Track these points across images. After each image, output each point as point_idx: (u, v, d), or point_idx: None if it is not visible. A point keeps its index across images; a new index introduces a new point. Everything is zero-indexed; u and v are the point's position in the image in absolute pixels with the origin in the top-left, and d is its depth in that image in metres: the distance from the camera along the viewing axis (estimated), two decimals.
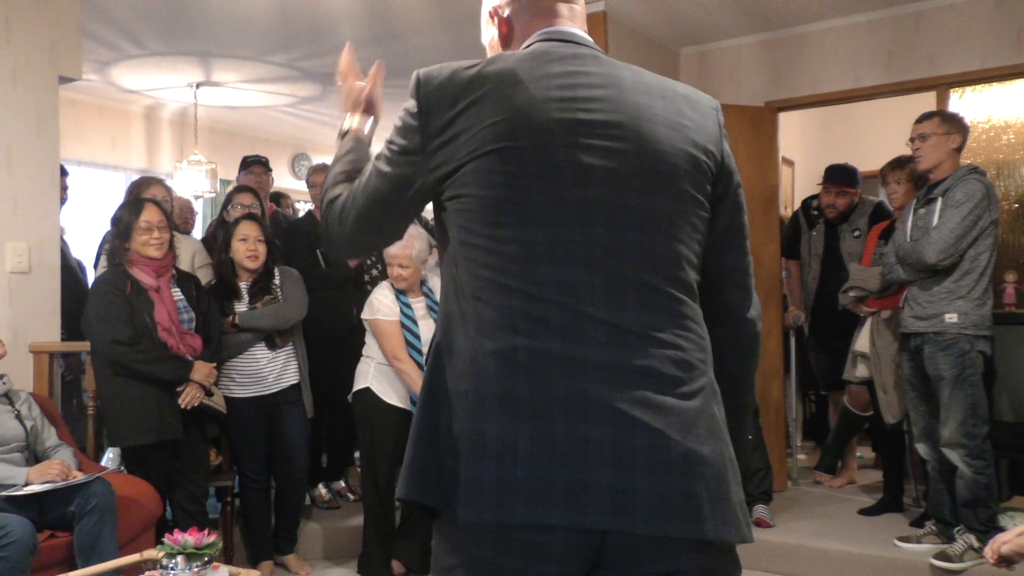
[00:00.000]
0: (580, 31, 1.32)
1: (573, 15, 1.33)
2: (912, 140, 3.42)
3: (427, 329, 3.51)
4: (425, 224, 3.84)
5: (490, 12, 1.37)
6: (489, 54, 1.38)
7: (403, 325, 3.42)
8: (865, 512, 3.96)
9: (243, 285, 3.54)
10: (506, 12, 1.34)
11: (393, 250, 3.43)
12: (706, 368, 1.19)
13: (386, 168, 1.27)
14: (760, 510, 3.81)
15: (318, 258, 4.09)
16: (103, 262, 3.54)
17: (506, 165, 1.16)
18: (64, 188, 4.24)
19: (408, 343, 3.44)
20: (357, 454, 4.55)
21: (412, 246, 3.41)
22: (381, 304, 3.45)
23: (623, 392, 1.11)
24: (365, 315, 3.52)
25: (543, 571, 1.11)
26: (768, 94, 4.69)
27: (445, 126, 1.20)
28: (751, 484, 3.85)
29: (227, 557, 3.54)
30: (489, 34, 1.39)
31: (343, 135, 1.48)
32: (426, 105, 1.23)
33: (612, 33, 4.22)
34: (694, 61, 4.92)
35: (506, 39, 1.35)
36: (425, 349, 3.52)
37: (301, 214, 4.98)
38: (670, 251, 1.19)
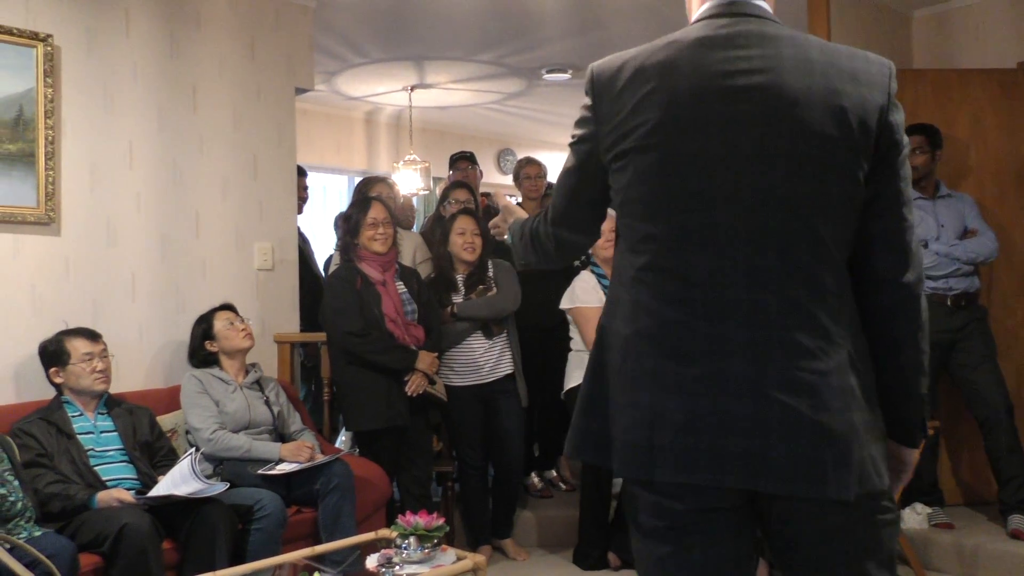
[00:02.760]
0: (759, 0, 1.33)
1: None
2: None
3: None
4: None
5: None
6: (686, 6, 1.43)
7: None
8: None
9: (459, 278, 3.67)
10: None
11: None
12: (844, 341, 1.25)
13: (571, 161, 1.42)
14: (1017, 520, 3.40)
15: None
16: (335, 258, 3.80)
17: (663, 156, 1.26)
18: (304, 188, 4.61)
19: None
20: None
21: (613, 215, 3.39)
22: (583, 291, 3.44)
23: (762, 369, 1.23)
24: (564, 304, 3.53)
25: (699, 512, 1.28)
26: (1021, 54, 4.15)
27: (612, 115, 1.31)
28: (1007, 491, 3.45)
29: (448, 540, 3.69)
30: None
31: (512, 240, 1.64)
32: (597, 97, 1.35)
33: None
34: (929, 24, 4.46)
35: None
36: None
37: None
38: (813, 231, 1.24)
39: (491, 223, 1.80)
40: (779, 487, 1.23)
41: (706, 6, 1.34)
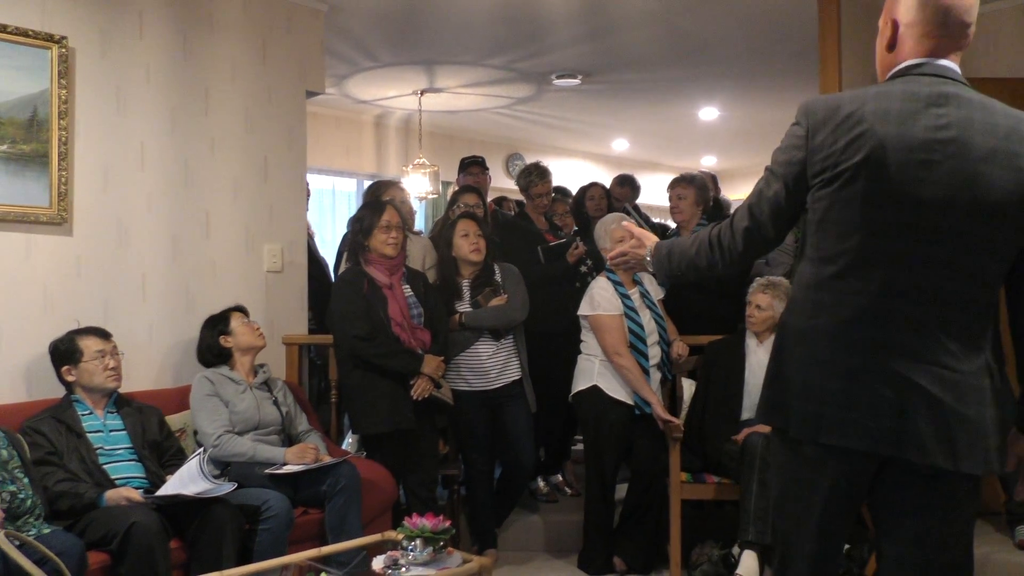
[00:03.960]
0: (953, 64, 1.61)
1: (957, 46, 1.62)
2: None
3: (647, 320, 3.46)
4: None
5: (888, 15, 1.66)
6: (876, 51, 1.70)
7: (627, 317, 3.39)
8: None
9: (464, 282, 3.67)
10: (904, 19, 1.62)
11: (614, 225, 3.42)
12: (985, 348, 1.58)
13: (778, 179, 1.67)
14: None
15: (538, 254, 4.16)
16: (345, 259, 3.81)
17: (862, 192, 1.55)
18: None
19: (632, 333, 3.40)
20: (574, 448, 4.61)
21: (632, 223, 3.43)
22: (602, 299, 3.43)
23: (915, 366, 1.55)
24: (584, 311, 3.52)
25: (843, 469, 1.63)
26: None
27: (824, 147, 1.59)
28: (1014, 502, 3.43)
29: (454, 543, 3.69)
30: (880, 34, 1.69)
31: (658, 257, 1.91)
32: (812, 130, 1.61)
33: (847, 5, 3.92)
34: None
35: (890, 46, 1.66)
36: (649, 340, 3.47)
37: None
38: (974, 264, 1.56)
39: (617, 254, 2.01)
40: (918, 456, 1.54)
41: (912, 63, 1.61)
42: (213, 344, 3.29)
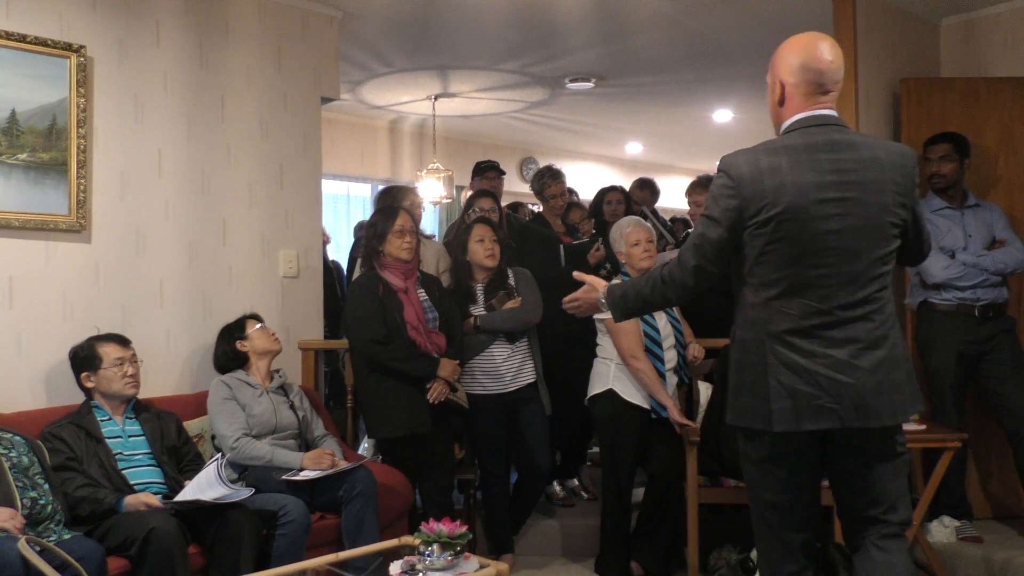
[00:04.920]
0: (832, 111, 2.02)
1: (831, 99, 2.02)
2: None
3: (663, 324, 3.44)
4: None
5: (775, 77, 2.05)
6: (768, 102, 2.10)
7: (643, 320, 3.38)
8: None
9: (478, 287, 3.67)
10: (789, 81, 2.02)
11: (629, 228, 3.43)
12: (890, 332, 1.97)
13: (716, 225, 2.00)
14: None
15: (559, 256, 4.15)
16: (359, 264, 3.82)
17: (796, 229, 1.93)
18: None
19: (648, 337, 3.39)
20: (590, 452, 4.59)
21: (648, 226, 3.46)
22: None
23: (847, 351, 1.95)
24: (600, 314, 3.51)
25: (807, 448, 2.02)
26: None
27: (755, 197, 1.95)
28: None
29: (471, 548, 3.69)
30: (769, 91, 2.08)
31: (612, 299, 2.24)
32: (739, 182, 1.97)
33: (861, 7, 3.90)
34: (957, 32, 4.42)
35: (780, 102, 2.05)
36: (665, 344, 3.45)
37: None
38: (872, 271, 1.97)
39: (571, 299, 2.32)
40: (862, 422, 1.93)
41: (803, 116, 2.01)
42: (229, 349, 3.32)
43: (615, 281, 2.16)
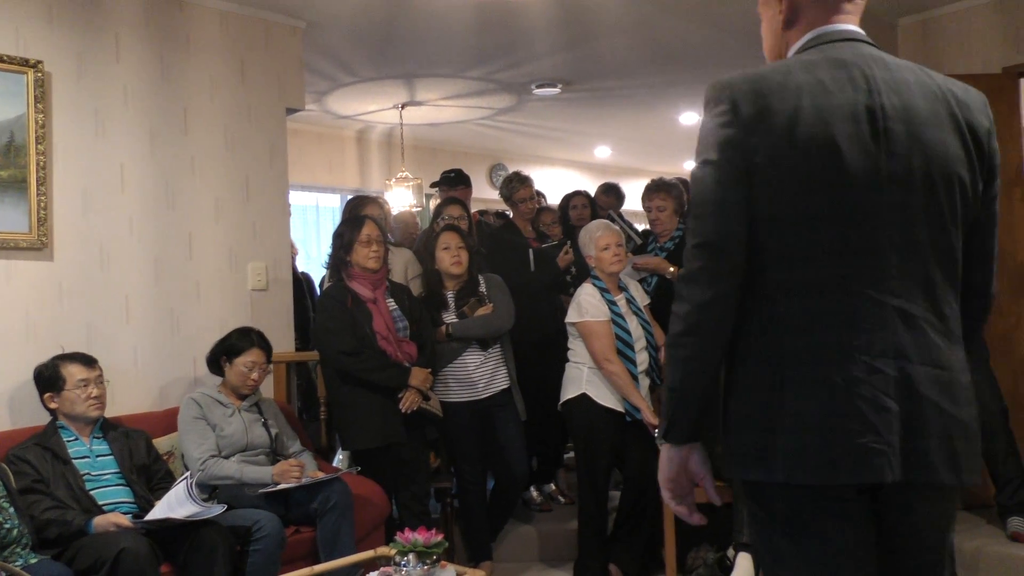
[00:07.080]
0: (857, 27, 1.43)
1: (856, 9, 1.44)
2: None
3: (635, 326, 3.46)
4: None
5: None
6: (765, 36, 1.52)
7: (614, 323, 3.40)
8: None
9: (449, 294, 3.67)
10: None
11: (599, 232, 3.45)
12: (961, 339, 1.43)
13: (716, 165, 1.34)
14: (1016, 523, 3.40)
15: (528, 261, 4.15)
16: (328, 275, 3.80)
17: (808, 171, 1.31)
18: None
19: (620, 339, 3.40)
20: (566, 456, 4.60)
21: (617, 229, 3.47)
22: (590, 305, 3.43)
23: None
24: (571, 318, 3.52)
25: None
26: (1006, 59, 4.19)
27: (755, 121, 1.32)
28: (1004, 494, 3.46)
29: (448, 556, 3.67)
30: (769, 14, 1.49)
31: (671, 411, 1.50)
32: (733, 104, 1.33)
33: None
34: (915, 31, 4.51)
35: (788, 23, 1.46)
36: (637, 346, 3.47)
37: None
38: (943, 239, 1.37)
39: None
40: (925, 477, 1.33)
41: (818, 32, 1.42)
42: (215, 361, 3.30)
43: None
